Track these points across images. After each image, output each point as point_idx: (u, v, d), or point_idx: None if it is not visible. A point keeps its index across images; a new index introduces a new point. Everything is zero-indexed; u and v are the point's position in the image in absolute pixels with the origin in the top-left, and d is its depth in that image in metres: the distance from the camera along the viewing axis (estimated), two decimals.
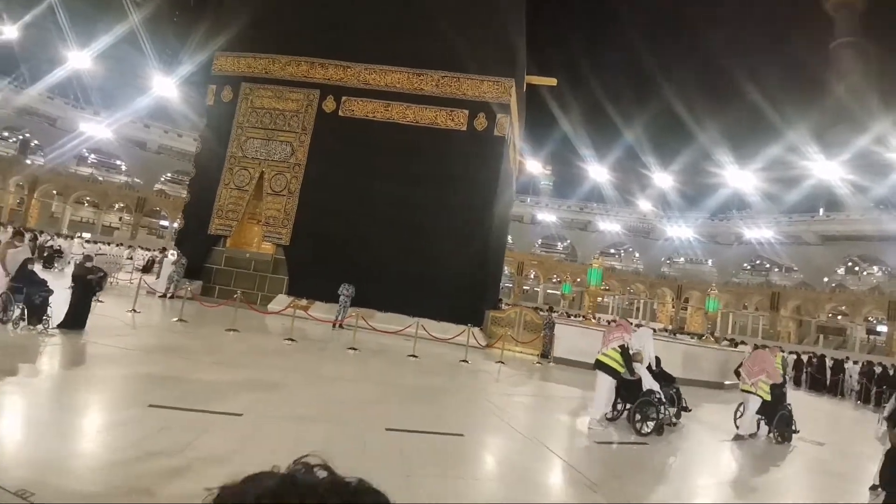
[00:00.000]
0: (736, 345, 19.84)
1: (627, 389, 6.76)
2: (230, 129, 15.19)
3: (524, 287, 58.03)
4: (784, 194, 50.12)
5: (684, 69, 67.83)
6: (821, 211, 50.71)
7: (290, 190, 14.67)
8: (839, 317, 46.71)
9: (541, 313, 15.89)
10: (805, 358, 17.89)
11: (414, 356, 10.09)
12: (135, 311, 10.05)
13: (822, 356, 17.97)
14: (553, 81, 19.80)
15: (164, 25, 75.70)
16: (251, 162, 15.00)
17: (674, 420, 7.15)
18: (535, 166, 63.17)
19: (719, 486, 5.50)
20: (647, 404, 6.57)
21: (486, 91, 14.83)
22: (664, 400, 6.74)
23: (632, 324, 7.37)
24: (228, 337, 9.32)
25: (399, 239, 14.09)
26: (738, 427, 7.52)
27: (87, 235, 39.70)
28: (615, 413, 7.03)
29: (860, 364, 16.71)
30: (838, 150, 48.77)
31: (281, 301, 13.90)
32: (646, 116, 59.77)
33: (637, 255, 60.35)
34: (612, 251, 61.89)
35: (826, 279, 48.19)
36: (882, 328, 43.52)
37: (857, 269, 49.38)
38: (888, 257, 45.80)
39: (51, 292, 7.29)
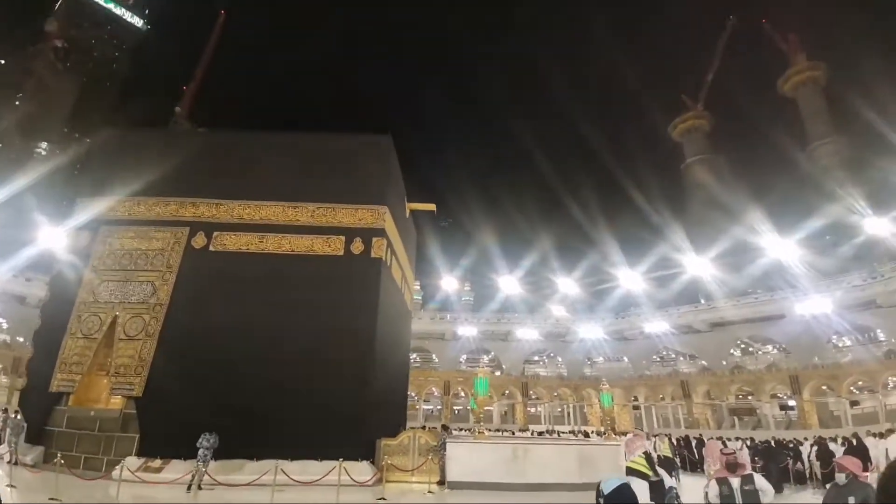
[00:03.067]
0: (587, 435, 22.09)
1: (652, 490, 7.31)
2: (82, 275, 14.15)
3: (455, 407, 55.56)
4: (669, 289, 56.07)
5: (578, 190, 79.34)
6: (702, 301, 56.37)
7: (148, 332, 13.39)
8: (749, 397, 49.11)
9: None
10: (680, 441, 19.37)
11: None
12: None
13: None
14: (432, 207, 21.47)
15: (62, 177, 74.08)
16: (103, 306, 13.75)
17: None
18: (451, 284, 65.57)
19: None
20: (670, 501, 7.37)
21: (362, 218, 15.54)
22: (679, 495, 7.47)
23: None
24: None
25: (275, 375, 12.97)
26: None
27: None
28: None
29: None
30: (706, 247, 56.64)
31: (129, 464, 11.81)
32: (548, 231, 66.92)
33: (559, 359, 61.42)
34: (536, 358, 62.55)
35: (724, 362, 51.57)
36: (793, 402, 45.69)
37: (750, 349, 53.66)
38: (775, 335, 50.15)
39: None
